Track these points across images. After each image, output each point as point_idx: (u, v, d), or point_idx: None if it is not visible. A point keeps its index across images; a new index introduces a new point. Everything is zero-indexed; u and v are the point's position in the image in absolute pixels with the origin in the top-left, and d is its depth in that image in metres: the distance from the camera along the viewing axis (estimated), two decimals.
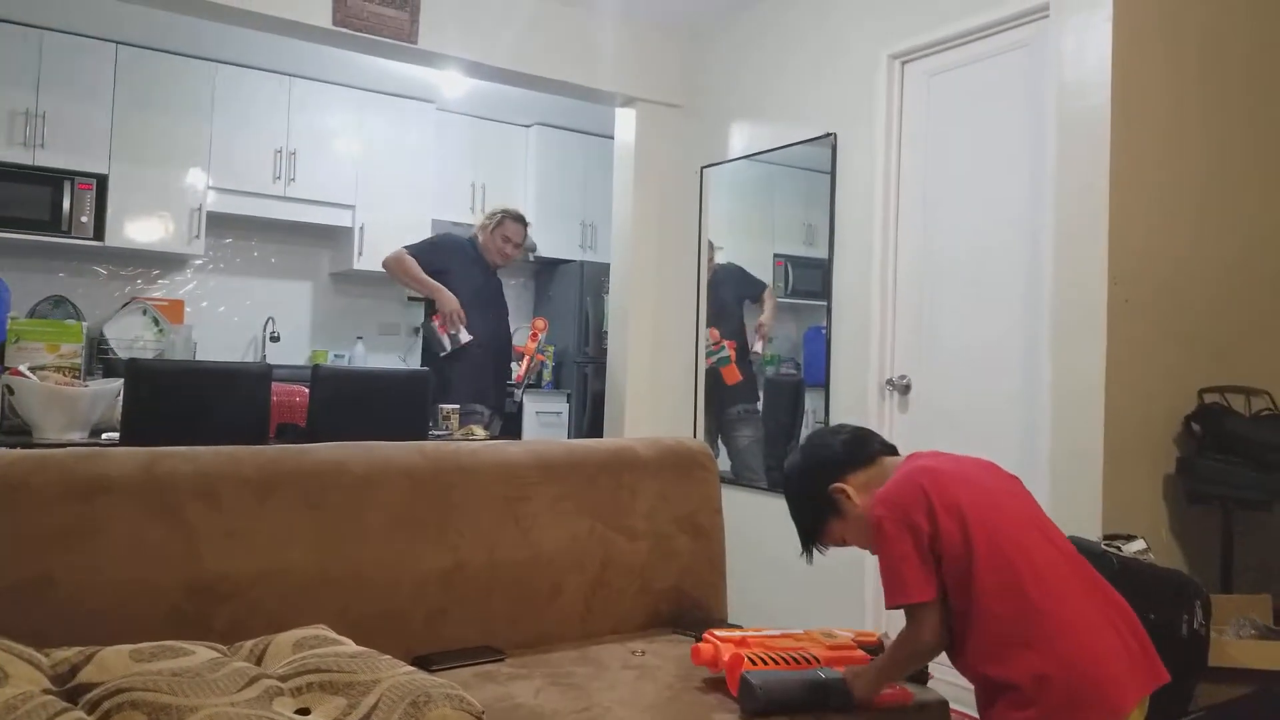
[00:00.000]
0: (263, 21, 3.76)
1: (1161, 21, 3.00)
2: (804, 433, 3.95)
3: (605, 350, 4.90)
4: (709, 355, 4.43)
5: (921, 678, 1.97)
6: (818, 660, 1.84)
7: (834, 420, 3.69)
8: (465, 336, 4.06)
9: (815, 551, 1.87)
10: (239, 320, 5.66)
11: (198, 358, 5.20)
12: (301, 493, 1.92)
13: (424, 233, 5.63)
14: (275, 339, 5.66)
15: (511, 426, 5.29)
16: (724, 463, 4.20)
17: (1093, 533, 2.75)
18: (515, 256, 4.35)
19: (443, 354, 4.06)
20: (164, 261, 5.41)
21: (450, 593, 2.06)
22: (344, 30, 3.80)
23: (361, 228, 5.61)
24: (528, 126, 6.29)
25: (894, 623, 1.75)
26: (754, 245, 4.31)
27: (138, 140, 5.04)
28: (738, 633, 1.96)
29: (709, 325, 4.45)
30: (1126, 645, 1.57)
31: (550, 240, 6.17)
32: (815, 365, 3.86)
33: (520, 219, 4.30)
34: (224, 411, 2.98)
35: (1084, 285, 2.89)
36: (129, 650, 1.46)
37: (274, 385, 3.20)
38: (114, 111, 4.98)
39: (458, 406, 3.72)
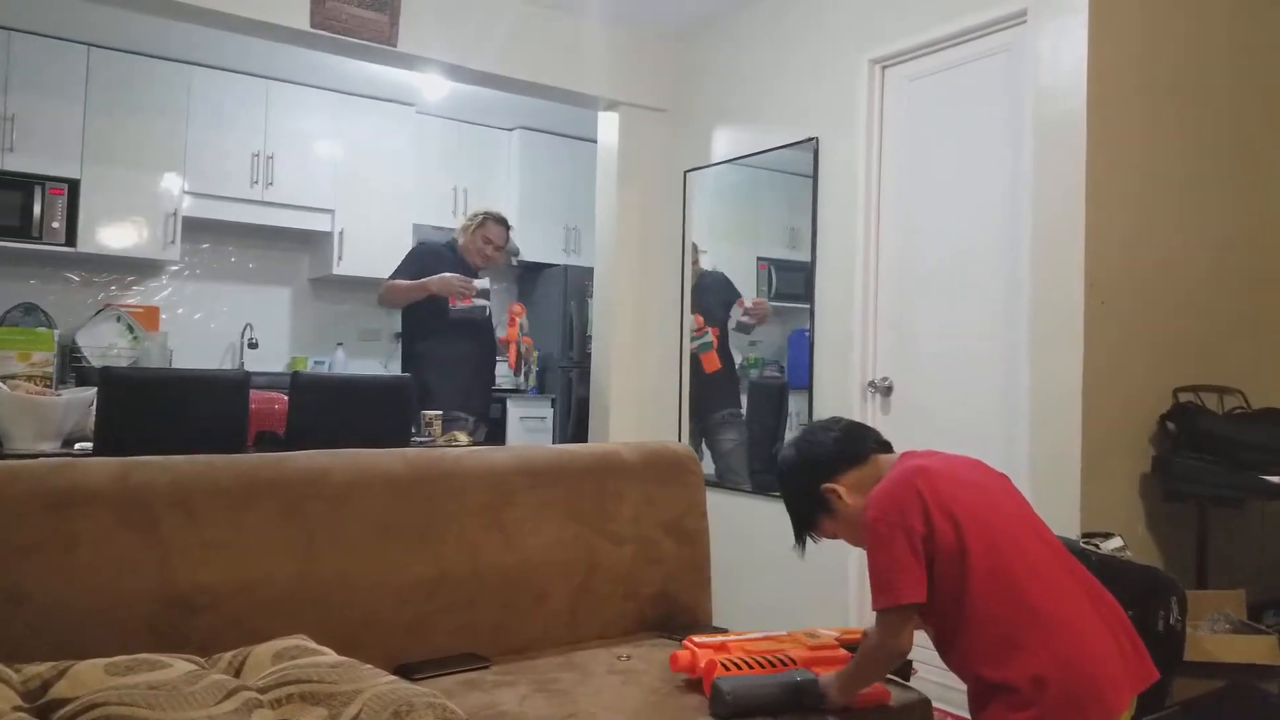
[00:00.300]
0: (239, 24, 3.73)
1: (1137, 27, 3.03)
2: (788, 436, 3.96)
3: (589, 355, 4.90)
4: (692, 340, 4.42)
5: (904, 675, 1.97)
6: (794, 662, 1.83)
7: None
8: (483, 284, 4.08)
9: (808, 542, 1.86)
10: (216, 327, 5.61)
11: (173, 365, 5.15)
12: (281, 502, 1.90)
13: (405, 237, 5.63)
14: (253, 346, 5.61)
15: (495, 432, 5.27)
16: (708, 466, 4.20)
17: (1071, 530, 2.77)
18: (497, 259, 4.33)
19: (482, 318, 4.10)
20: (138, 267, 5.36)
21: (434, 600, 2.04)
22: (322, 33, 3.77)
23: (341, 232, 5.58)
24: (510, 130, 6.27)
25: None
26: (738, 249, 4.32)
27: (111, 144, 4.98)
28: (719, 638, 1.96)
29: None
30: (1119, 644, 1.57)
31: (534, 244, 6.15)
32: (799, 368, 3.87)
33: (502, 221, 4.29)
34: (201, 420, 2.95)
35: (1062, 288, 2.91)
36: (103, 664, 1.44)
37: (252, 393, 3.17)
38: (86, 114, 4.93)
39: (440, 413, 3.69)
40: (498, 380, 4.86)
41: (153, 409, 2.91)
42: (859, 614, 3.44)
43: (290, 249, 5.83)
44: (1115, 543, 2.67)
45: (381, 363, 6.05)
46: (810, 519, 1.81)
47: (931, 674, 2.27)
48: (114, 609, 1.69)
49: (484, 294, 4.08)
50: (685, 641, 1.94)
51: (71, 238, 4.88)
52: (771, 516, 3.98)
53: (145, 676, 1.41)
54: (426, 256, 4.21)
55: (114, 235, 5.01)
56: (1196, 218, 3.19)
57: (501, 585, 2.14)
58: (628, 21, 4.46)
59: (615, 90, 4.52)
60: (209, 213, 5.28)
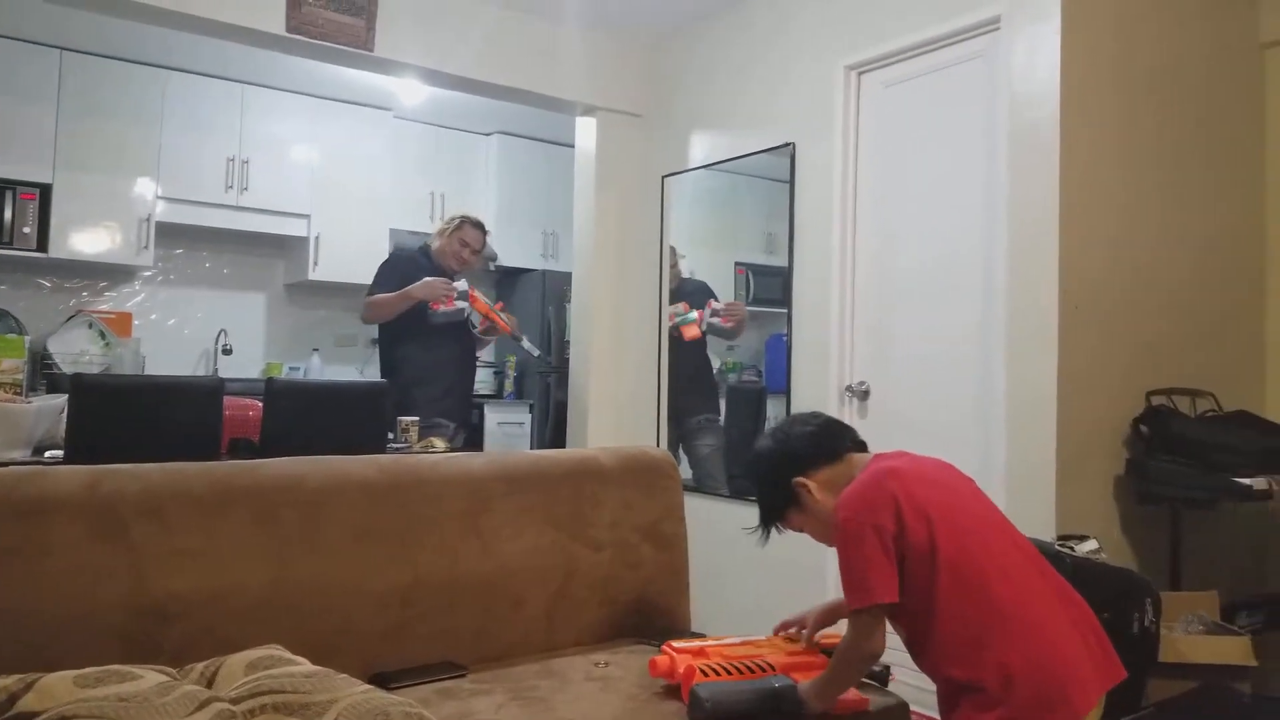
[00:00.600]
0: (214, 28, 3.70)
1: (1110, 33, 3.06)
2: None
3: (568, 360, 4.89)
4: (673, 317, 4.41)
5: (882, 680, 1.97)
6: (772, 668, 1.83)
7: None
8: (461, 285, 4.06)
9: (773, 532, 1.88)
10: (190, 333, 5.55)
11: (147, 372, 5.09)
12: (254, 509, 1.88)
13: (381, 242, 5.60)
14: (228, 352, 5.56)
15: (473, 438, 5.25)
16: (686, 471, 4.20)
17: (1047, 533, 2.79)
18: (474, 263, 4.31)
19: (463, 320, 4.07)
20: (111, 273, 5.30)
21: (410, 608, 2.03)
22: (298, 37, 3.75)
23: (317, 238, 5.54)
24: (488, 135, 6.26)
25: None
26: (715, 254, 4.32)
27: (83, 148, 4.93)
28: (697, 643, 1.95)
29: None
30: (1087, 644, 1.59)
31: (512, 249, 6.14)
32: (777, 372, 3.88)
33: (479, 225, 4.27)
34: (174, 427, 2.91)
35: (1036, 293, 2.94)
36: (73, 676, 1.42)
37: (226, 399, 3.14)
38: (58, 119, 4.87)
39: (417, 419, 3.67)
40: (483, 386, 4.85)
41: (125, 416, 2.87)
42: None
43: (265, 254, 5.79)
44: (1090, 545, 2.70)
45: (358, 368, 6.01)
46: (779, 510, 1.83)
47: (909, 678, 2.27)
48: (84, 619, 1.67)
49: (463, 295, 4.06)
50: (664, 647, 1.94)
51: (43, 243, 4.81)
52: (749, 521, 3.99)
53: (115, 688, 1.39)
54: (404, 266, 4.17)
55: (86, 240, 4.95)
56: (1170, 222, 3.23)
57: (479, 592, 2.13)
58: (604, 27, 4.47)
59: (592, 95, 4.52)
60: (183, 218, 5.22)
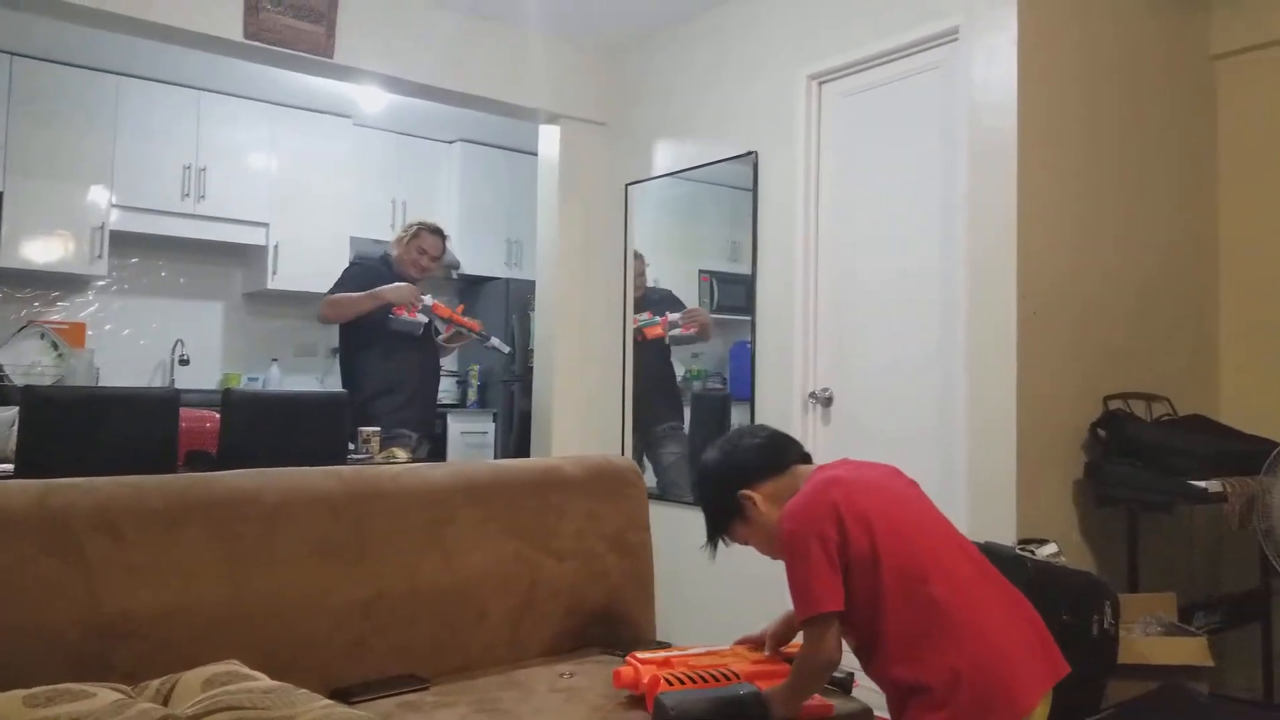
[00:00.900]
0: (169, 34, 3.64)
1: (1067, 44, 3.11)
2: None
3: (532, 368, 4.86)
4: (636, 318, 4.41)
5: (846, 686, 1.98)
6: (737, 676, 1.83)
7: None
8: (430, 301, 4.02)
9: (719, 545, 1.88)
10: (145, 343, 5.46)
11: (100, 383, 4.99)
12: (211, 523, 1.85)
13: (342, 250, 5.54)
14: (184, 362, 5.48)
15: (436, 448, 5.21)
16: (650, 479, 4.20)
17: (1008, 537, 2.82)
18: (432, 270, 4.27)
19: (420, 335, 4.02)
20: (63, 282, 5.19)
21: (371, 622, 2.00)
22: (256, 44, 3.70)
23: (276, 246, 5.47)
24: (450, 142, 6.23)
25: None
26: (680, 261, 4.33)
27: (35, 156, 4.83)
28: (662, 653, 1.95)
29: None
30: (1029, 641, 1.62)
31: (475, 257, 6.11)
32: (741, 379, 3.89)
33: (438, 231, 4.23)
34: (128, 440, 2.86)
35: (996, 300, 2.97)
36: (22, 696, 1.38)
37: (183, 411, 3.09)
38: (8, 125, 4.77)
39: (378, 429, 3.63)
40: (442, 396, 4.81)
41: (77, 429, 2.81)
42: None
43: (223, 263, 5.71)
44: (1050, 549, 2.73)
45: (318, 378, 5.94)
46: (724, 522, 1.83)
47: (873, 684, 2.28)
48: (34, 637, 1.62)
49: (426, 310, 4.03)
50: (628, 658, 1.93)
51: None
52: None
53: (67, 707, 1.36)
54: (366, 274, 4.13)
55: (38, 249, 4.85)
56: (1127, 231, 3.29)
57: (441, 604, 2.11)
58: (567, 35, 4.46)
59: (555, 103, 4.51)
60: (138, 226, 5.14)
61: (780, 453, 1.83)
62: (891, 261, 3.36)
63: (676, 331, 4.24)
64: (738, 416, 3.92)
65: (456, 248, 5.99)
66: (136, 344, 5.43)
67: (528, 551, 2.27)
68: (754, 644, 1.99)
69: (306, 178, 5.59)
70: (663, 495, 4.14)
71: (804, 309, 3.62)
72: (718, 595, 3.79)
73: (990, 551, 2.32)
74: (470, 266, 6.10)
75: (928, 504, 1.77)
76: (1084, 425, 3.10)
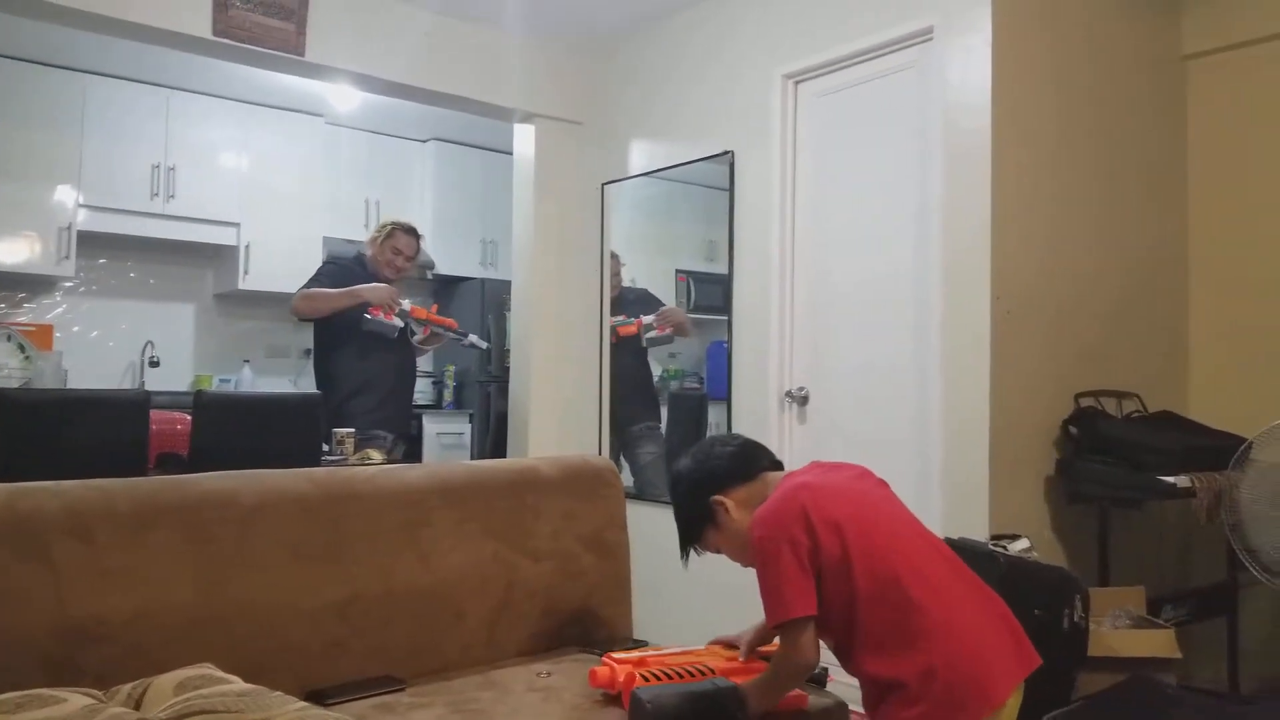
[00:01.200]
0: (138, 31, 3.59)
1: (1041, 45, 3.14)
2: None
3: (508, 369, 4.85)
4: (613, 316, 4.41)
5: (820, 681, 1.99)
6: (713, 672, 1.84)
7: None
8: (407, 305, 4.00)
9: (692, 554, 1.90)
10: (115, 345, 5.39)
11: (69, 386, 4.93)
12: (183, 526, 1.83)
13: (314, 250, 5.49)
14: (155, 364, 5.41)
15: (411, 449, 5.17)
16: (627, 479, 4.20)
17: (981, 534, 2.85)
18: (408, 270, 4.24)
19: (394, 337, 3.99)
20: (30, 284, 5.11)
21: (347, 624, 1.98)
22: (225, 41, 3.67)
23: (247, 246, 5.42)
24: (424, 141, 6.19)
25: None
26: (656, 261, 4.33)
27: (0, 155, 4.75)
28: (637, 653, 1.95)
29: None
30: (1000, 636, 1.64)
31: (450, 257, 6.08)
32: (718, 379, 3.90)
33: (412, 231, 4.20)
34: (98, 443, 2.82)
35: (970, 299, 2.99)
36: None
37: (154, 413, 3.05)
38: None
39: (352, 430, 3.60)
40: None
41: (46, 432, 2.77)
42: None
43: (193, 264, 5.64)
44: (1022, 544, 2.76)
45: (291, 380, 5.89)
46: (696, 530, 1.85)
47: (847, 678, 2.29)
48: (4, 643, 1.60)
49: (403, 314, 4.00)
50: (604, 658, 1.93)
51: None
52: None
53: (37, 713, 1.34)
54: (341, 273, 4.10)
55: (3, 250, 4.77)
56: (1100, 230, 3.32)
57: (417, 606, 2.10)
58: (542, 34, 4.45)
59: (531, 102, 4.50)
60: (106, 226, 5.07)
61: (751, 460, 1.86)
62: (867, 261, 3.38)
63: (652, 334, 4.24)
64: (714, 416, 3.93)
65: (431, 248, 5.96)
66: (105, 346, 5.36)
67: (504, 552, 2.26)
68: (728, 644, 2.00)
69: (278, 177, 5.54)
70: (640, 495, 4.13)
71: (780, 308, 3.64)
72: (695, 594, 3.80)
73: (963, 547, 2.34)
74: (445, 266, 6.07)
75: (897, 503, 1.79)
76: (1056, 423, 3.13)
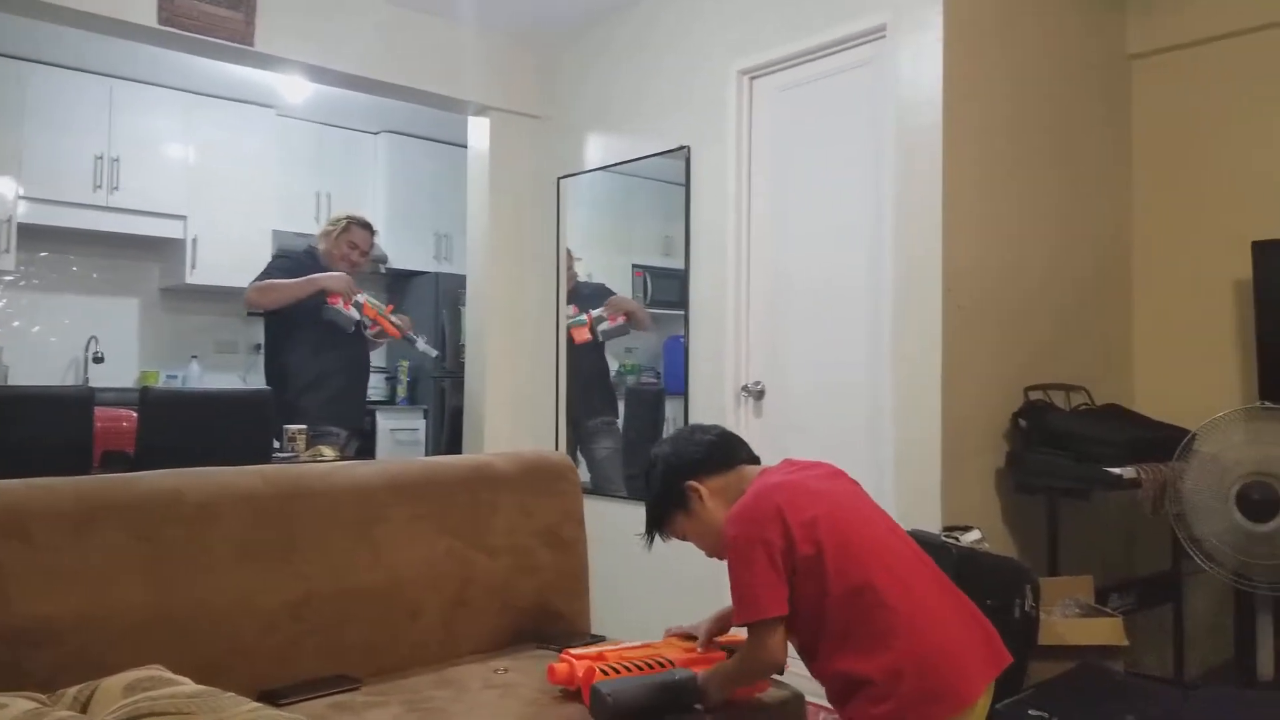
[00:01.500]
0: (81, 19, 3.50)
1: (992, 43, 3.18)
2: None
3: (463, 364, 4.81)
4: (567, 318, 4.40)
5: (778, 670, 2.00)
6: (672, 664, 1.85)
7: None
8: (363, 299, 3.94)
9: (656, 539, 1.90)
10: (57, 341, 5.26)
11: (9, 383, 4.80)
12: (130, 525, 1.78)
13: (264, 244, 5.41)
14: (99, 360, 5.29)
15: (365, 445, 5.12)
16: (584, 474, 4.18)
17: (933, 525, 2.89)
18: (362, 265, 4.19)
19: (351, 330, 3.93)
20: None
21: (300, 623, 1.95)
22: (171, 30, 3.58)
23: (194, 239, 5.32)
24: (376, 134, 6.12)
25: None
26: (613, 256, 4.32)
27: None
28: (596, 647, 1.95)
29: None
30: (972, 634, 1.64)
31: (403, 251, 6.02)
32: (675, 374, 3.90)
33: (367, 225, 4.15)
34: (40, 441, 2.75)
35: (922, 294, 3.03)
36: None
37: (98, 410, 2.98)
38: None
39: (304, 427, 3.55)
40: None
41: None
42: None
43: (138, 257, 5.52)
44: (974, 535, 2.80)
45: (240, 376, 5.79)
46: (666, 514, 1.85)
47: (805, 669, 2.31)
48: None
49: (358, 306, 3.95)
50: (562, 654, 1.92)
51: None
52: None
53: None
54: (294, 267, 4.02)
55: None
56: (1049, 227, 3.38)
57: (372, 604, 2.07)
58: (497, 27, 4.42)
59: (486, 95, 4.46)
60: (47, 219, 4.94)
61: (729, 451, 1.86)
62: (823, 256, 3.41)
63: (604, 326, 4.23)
64: (671, 411, 3.94)
65: (384, 241, 5.90)
66: (47, 341, 5.23)
67: (460, 549, 2.24)
68: (685, 636, 2.00)
69: (226, 169, 5.44)
70: (597, 490, 4.13)
71: (737, 303, 3.65)
72: (652, 589, 3.80)
73: (916, 539, 2.37)
74: (398, 260, 6.01)
75: (870, 503, 1.79)
76: (1006, 416, 3.18)
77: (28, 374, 4.98)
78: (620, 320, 4.20)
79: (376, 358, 5.18)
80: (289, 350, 3.95)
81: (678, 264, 3.88)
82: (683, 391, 3.83)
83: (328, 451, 3.51)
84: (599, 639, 2.27)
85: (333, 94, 4.99)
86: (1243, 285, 3.33)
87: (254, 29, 3.76)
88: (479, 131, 4.60)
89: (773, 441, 3.48)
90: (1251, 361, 3.21)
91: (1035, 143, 3.34)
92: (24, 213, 4.86)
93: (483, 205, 4.56)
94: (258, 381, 5.13)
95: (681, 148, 3.87)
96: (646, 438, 4.09)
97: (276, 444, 3.43)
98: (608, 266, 4.34)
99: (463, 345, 4.97)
